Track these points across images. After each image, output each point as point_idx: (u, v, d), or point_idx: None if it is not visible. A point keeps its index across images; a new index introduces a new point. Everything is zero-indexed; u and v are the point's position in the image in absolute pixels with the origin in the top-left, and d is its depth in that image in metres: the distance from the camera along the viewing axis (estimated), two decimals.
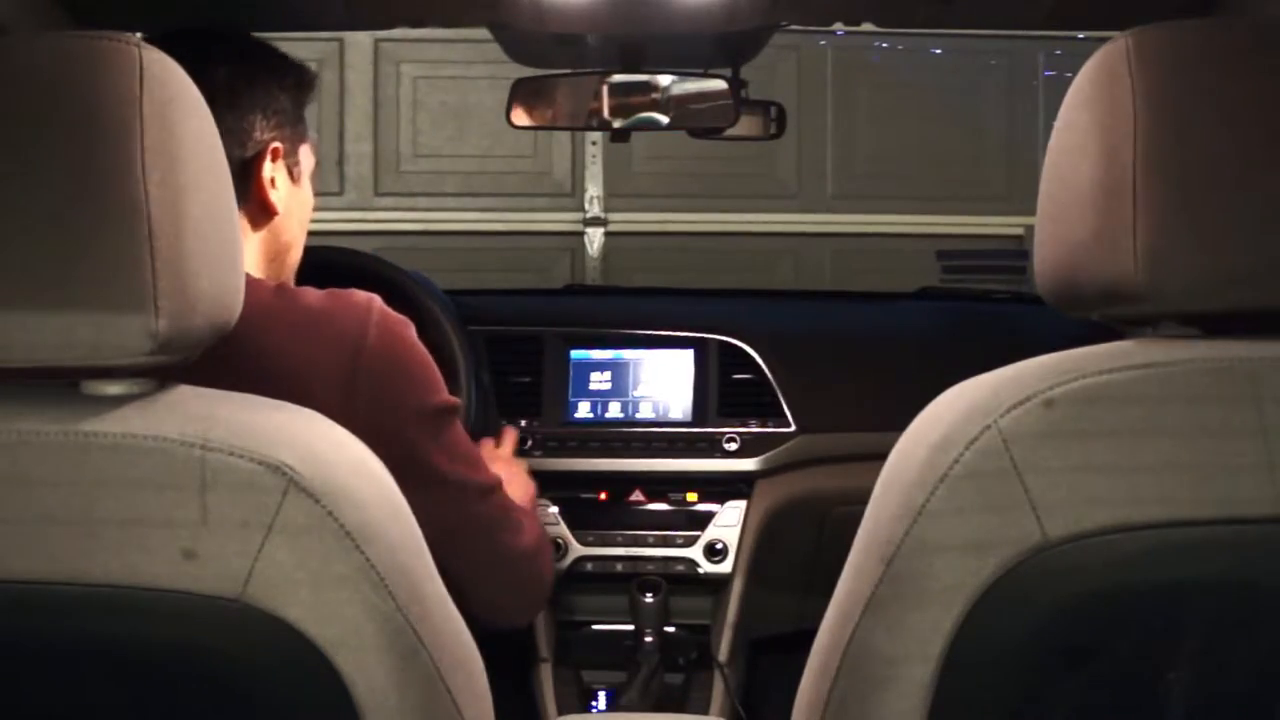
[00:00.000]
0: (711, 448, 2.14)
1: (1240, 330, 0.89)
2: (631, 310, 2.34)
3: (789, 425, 2.14)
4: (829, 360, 2.21)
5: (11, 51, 0.84)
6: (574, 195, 5.04)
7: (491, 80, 4.25)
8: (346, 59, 4.74)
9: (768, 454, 2.13)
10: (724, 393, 2.16)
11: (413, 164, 4.70)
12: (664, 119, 1.98)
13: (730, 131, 2.04)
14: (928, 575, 0.86)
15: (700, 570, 2.11)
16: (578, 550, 2.11)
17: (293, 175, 1.41)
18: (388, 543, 0.84)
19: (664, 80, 1.96)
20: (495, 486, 1.43)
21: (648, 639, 2.03)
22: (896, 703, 0.88)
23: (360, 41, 4.74)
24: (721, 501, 2.13)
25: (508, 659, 1.85)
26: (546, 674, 2.11)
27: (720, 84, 1.97)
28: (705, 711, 2.08)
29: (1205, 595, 0.88)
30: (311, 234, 1.49)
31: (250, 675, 0.83)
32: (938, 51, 5.11)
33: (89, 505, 0.80)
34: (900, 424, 0.95)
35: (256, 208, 1.36)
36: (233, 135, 1.32)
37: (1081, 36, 4.22)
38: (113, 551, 0.80)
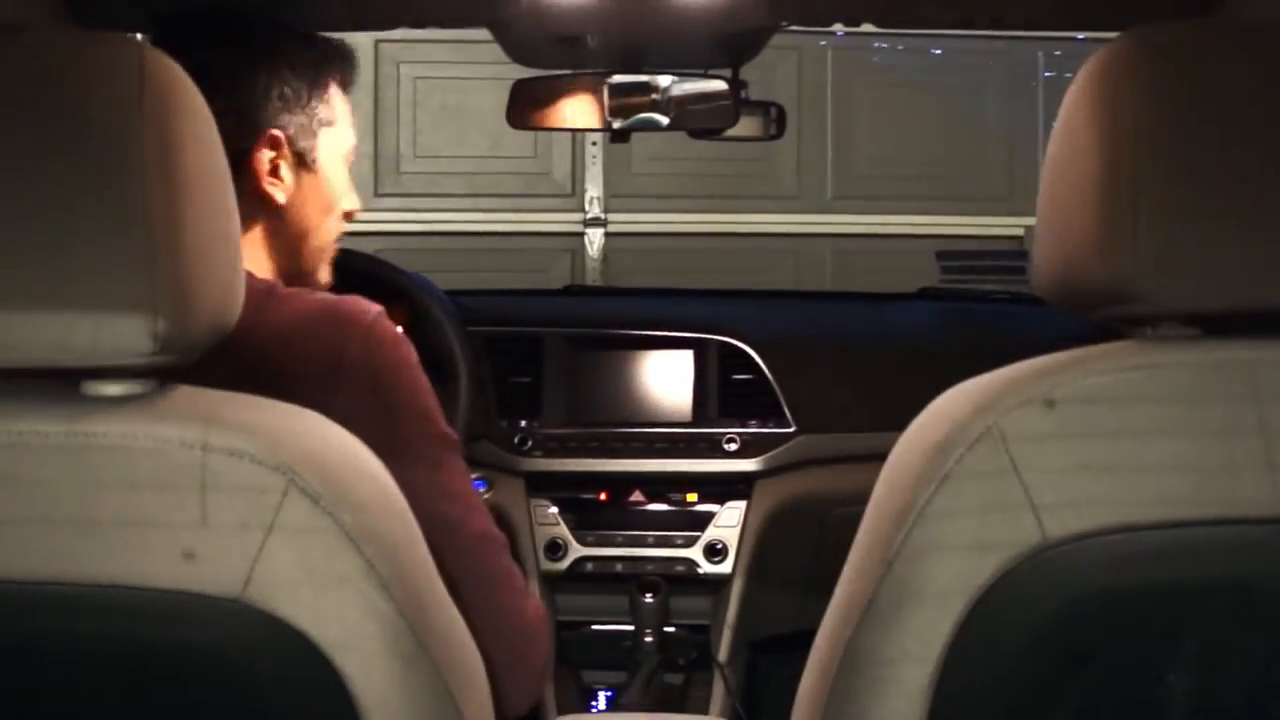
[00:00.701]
0: (711, 448, 2.14)
1: (1240, 330, 0.89)
2: (631, 310, 2.35)
3: (789, 425, 2.14)
4: (829, 360, 2.22)
5: (11, 51, 0.84)
6: (574, 196, 5.04)
7: (491, 81, 4.25)
8: None
9: (768, 454, 2.13)
10: (724, 393, 2.16)
11: (413, 165, 4.69)
12: (664, 119, 1.98)
13: (730, 132, 2.04)
14: (928, 576, 0.86)
15: (700, 570, 2.11)
16: (578, 550, 2.11)
17: (304, 161, 1.34)
18: (388, 543, 0.84)
19: (664, 81, 1.96)
20: (496, 537, 1.28)
21: (648, 639, 2.03)
22: (896, 703, 0.88)
23: (360, 42, 4.72)
24: (721, 502, 2.13)
25: None
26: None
27: (720, 84, 1.97)
28: (705, 711, 2.08)
29: (1205, 596, 0.88)
30: None
31: (250, 676, 0.83)
32: (938, 51, 5.11)
33: (89, 505, 0.80)
34: (900, 424, 0.95)
35: (253, 200, 1.30)
36: (224, 123, 1.25)
37: (1081, 36, 4.22)
38: (113, 551, 0.80)
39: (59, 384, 0.84)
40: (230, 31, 1.33)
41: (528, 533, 2.12)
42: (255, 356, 1.15)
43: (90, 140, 0.80)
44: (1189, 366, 0.87)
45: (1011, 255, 4.78)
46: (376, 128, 4.79)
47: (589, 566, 2.11)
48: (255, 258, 1.32)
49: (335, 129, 1.38)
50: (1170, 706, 0.90)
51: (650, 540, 2.12)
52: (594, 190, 5.02)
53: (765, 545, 2.12)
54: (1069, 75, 0.93)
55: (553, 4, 1.64)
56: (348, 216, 1.45)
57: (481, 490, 2.13)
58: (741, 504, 2.13)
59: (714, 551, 2.11)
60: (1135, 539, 0.86)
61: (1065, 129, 0.92)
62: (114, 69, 0.81)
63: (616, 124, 2.00)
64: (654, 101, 1.97)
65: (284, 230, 1.35)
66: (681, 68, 2.01)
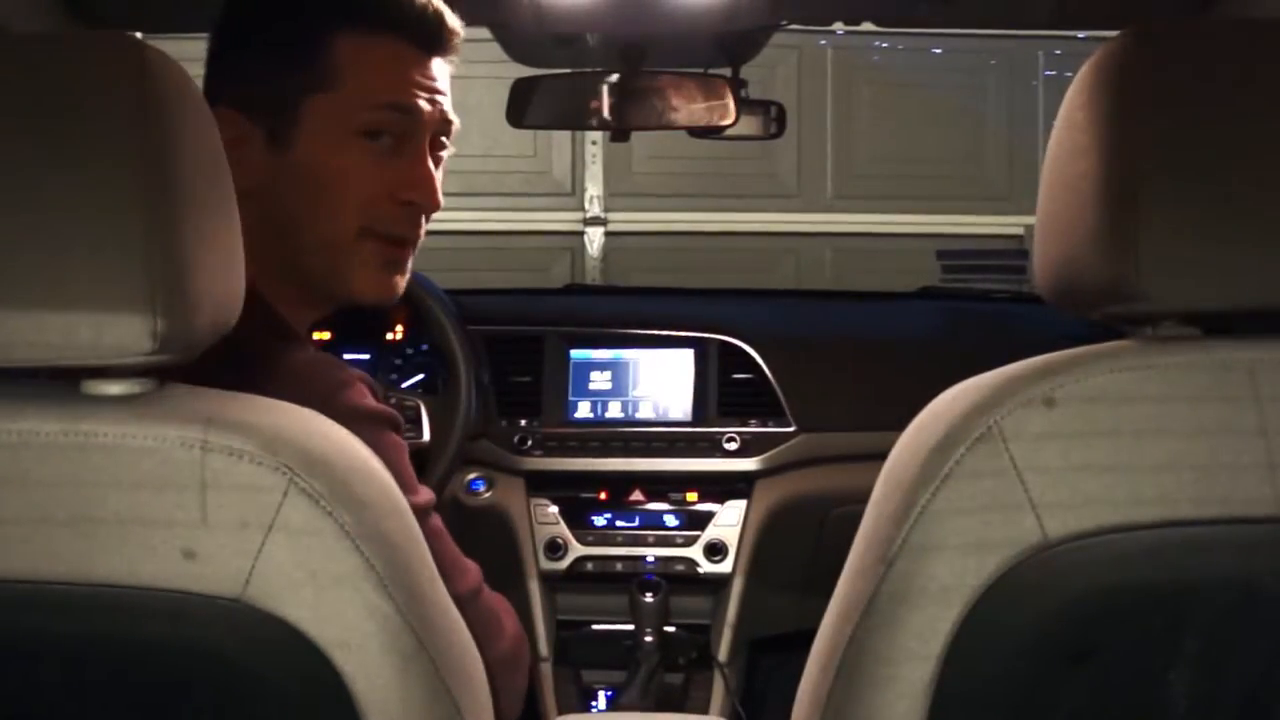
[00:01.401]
0: (711, 447, 2.14)
1: (1240, 330, 0.89)
2: (631, 310, 2.34)
3: (789, 425, 2.14)
4: (829, 360, 2.22)
5: (11, 51, 0.84)
6: (574, 195, 5.04)
7: (491, 80, 4.25)
8: None
9: (768, 454, 2.14)
10: (724, 392, 2.16)
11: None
12: (664, 119, 1.98)
13: (730, 131, 2.04)
14: (928, 575, 0.86)
15: (700, 570, 2.11)
16: (578, 550, 2.11)
17: (276, 138, 1.15)
18: (388, 543, 0.84)
19: (664, 80, 1.96)
20: (476, 591, 1.20)
21: (648, 639, 2.03)
22: (896, 703, 0.88)
23: None
24: (721, 501, 2.13)
25: None
26: (546, 674, 2.11)
27: (720, 84, 1.97)
28: (705, 711, 2.08)
29: (1206, 595, 0.88)
30: None
31: (250, 675, 0.83)
32: (938, 51, 5.11)
33: (89, 505, 0.80)
34: (900, 424, 0.95)
35: None
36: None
37: (1081, 36, 4.23)
38: (113, 551, 0.80)
39: (59, 383, 0.84)
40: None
41: (528, 532, 2.12)
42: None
43: (90, 140, 0.80)
44: (1189, 366, 0.87)
45: (1011, 255, 4.78)
46: None
47: (589, 566, 2.11)
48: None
49: (337, 94, 1.15)
50: (1171, 706, 0.90)
51: (650, 539, 2.12)
52: (594, 189, 5.02)
53: (765, 545, 2.12)
54: (1069, 75, 0.93)
55: (553, 4, 1.64)
56: (429, 209, 1.22)
57: (480, 490, 2.13)
58: (741, 503, 2.13)
59: (714, 551, 2.11)
60: (1135, 538, 0.86)
61: (1065, 128, 0.92)
62: (114, 69, 0.81)
63: (616, 123, 2.00)
64: (654, 100, 1.97)
65: (268, 224, 1.15)
66: (681, 67, 2.01)
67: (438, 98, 1.23)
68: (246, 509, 0.80)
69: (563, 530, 2.12)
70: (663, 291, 2.76)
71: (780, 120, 2.18)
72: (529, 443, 2.15)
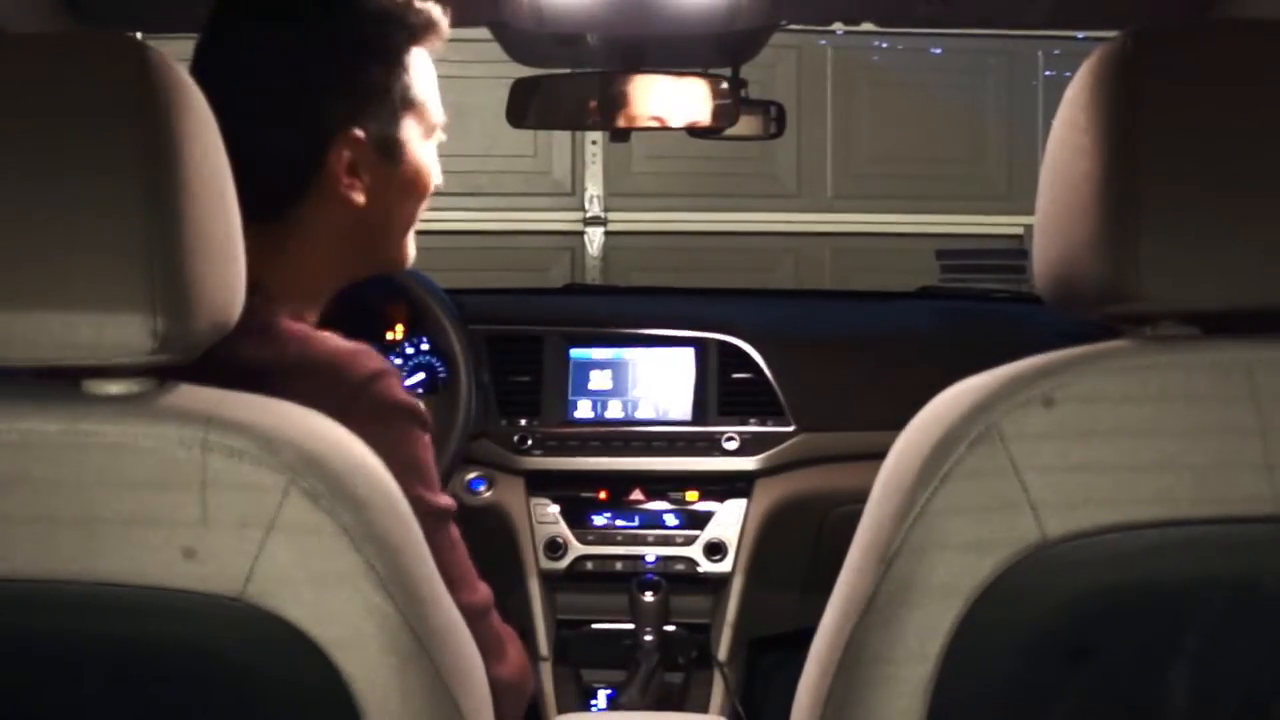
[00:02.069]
0: (711, 447, 2.14)
1: (1240, 330, 0.89)
2: (631, 310, 2.34)
3: (789, 425, 2.14)
4: (829, 360, 2.22)
5: (11, 51, 0.84)
6: (574, 195, 5.04)
7: (491, 80, 4.25)
8: None
9: (768, 453, 2.14)
10: (724, 392, 2.16)
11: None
12: (663, 118, 1.98)
13: (730, 131, 2.04)
14: (927, 574, 0.87)
15: (700, 569, 2.11)
16: (578, 549, 2.11)
17: (387, 152, 1.21)
18: (388, 543, 0.84)
19: (664, 80, 1.96)
20: (485, 609, 1.21)
21: (647, 638, 2.03)
22: (896, 702, 0.88)
23: None
24: (721, 500, 2.13)
25: None
26: (546, 673, 2.11)
27: (720, 84, 1.97)
28: (705, 711, 2.08)
29: (1205, 594, 0.88)
30: None
31: (250, 675, 0.83)
32: (938, 51, 5.11)
33: (89, 505, 0.80)
34: (900, 423, 0.95)
35: (328, 204, 1.19)
36: (289, 125, 1.17)
37: (1081, 36, 4.22)
38: (113, 551, 0.80)
39: (59, 383, 0.84)
40: (302, 10, 1.18)
41: (528, 532, 2.12)
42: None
43: (90, 140, 0.80)
44: (1188, 366, 0.87)
45: (1011, 254, 4.78)
46: None
47: (589, 565, 2.11)
48: (325, 259, 1.22)
49: (421, 107, 1.24)
50: (1169, 704, 0.90)
51: (650, 539, 2.12)
52: (594, 189, 5.02)
53: (765, 544, 2.12)
54: (1069, 75, 0.93)
55: (553, 4, 1.64)
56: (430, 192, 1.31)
57: (480, 489, 2.13)
58: (741, 502, 2.13)
59: (714, 550, 2.11)
60: (1134, 538, 0.86)
61: (1065, 129, 0.92)
62: (114, 69, 0.81)
63: (616, 123, 2.00)
64: (654, 101, 1.97)
65: (363, 227, 1.23)
66: (681, 67, 2.01)
67: None
68: (246, 508, 0.80)
69: (563, 530, 2.12)
70: (663, 291, 2.76)
71: (780, 120, 2.18)
72: (529, 442, 2.15)
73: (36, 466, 0.80)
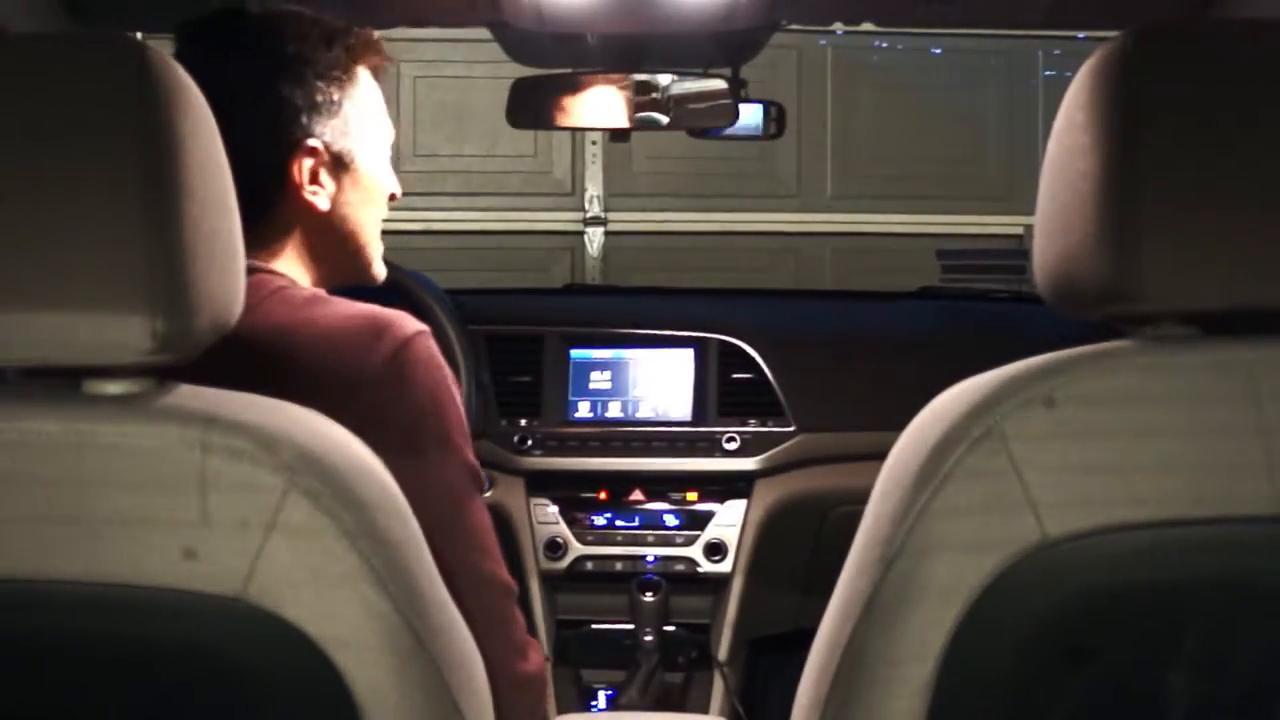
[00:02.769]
0: (711, 447, 2.14)
1: (1240, 329, 0.89)
2: (631, 310, 2.35)
3: (789, 425, 2.14)
4: (829, 360, 2.22)
5: (11, 51, 0.84)
6: (574, 195, 5.04)
7: (491, 80, 4.26)
8: None
9: (768, 453, 2.14)
10: (724, 392, 2.16)
11: (412, 164, 4.69)
12: (664, 119, 1.98)
13: (730, 131, 2.04)
14: (927, 575, 0.87)
15: (700, 570, 2.11)
16: (578, 549, 2.11)
17: (343, 163, 1.32)
18: (388, 543, 0.84)
19: (664, 80, 1.96)
20: (513, 591, 1.25)
21: (647, 638, 2.03)
22: (896, 702, 0.88)
23: None
24: (721, 501, 2.13)
25: None
26: (546, 673, 2.11)
27: (720, 84, 1.97)
28: (705, 711, 2.08)
29: (1205, 595, 0.88)
30: None
31: (250, 675, 0.83)
32: (938, 51, 5.11)
33: (89, 505, 0.80)
34: (900, 424, 0.95)
35: (295, 210, 1.29)
36: (255, 137, 1.25)
37: (1081, 36, 4.22)
38: (113, 551, 0.80)
39: (59, 383, 0.84)
40: (251, 39, 1.30)
41: (528, 532, 2.12)
42: (288, 359, 1.16)
43: (90, 139, 0.80)
44: (1188, 366, 0.87)
45: (1011, 254, 4.78)
46: None
47: (589, 565, 2.12)
48: (301, 264, 1.32)
49: (371, 122, 1.36)
50: (1170, 705, 0.90)
51: (650, 539, 2.12)
52: (594, 189, 5.02)
53: (765, 544, 2.12)
54: (1069, 75, 0.93)
55: (553, 4, 1.64)
56: (390, 200, 1.43)
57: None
58: (741, 503, 2.13)
59: (714, 550, 2.11)
60: (1135, 538, 0.86)
61: (1065, 129, 0.92)
62: (114, 69, 0.81)
63: (616, 123, 2.00)
64: (654, 100, 1.97)
65: (330, 233, 1.33)
66: (681, 66, 2.01)
67: None
68: (246, 508, 0.80)
69: (563, 530, 2.12)
70: (663, 291, 2.76)
71: (780, 120, 2.18)
72: (529, 442, 2.15)
73: (36, 466, 0.80)
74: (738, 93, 2.00)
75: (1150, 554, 0.86)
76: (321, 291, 1.28)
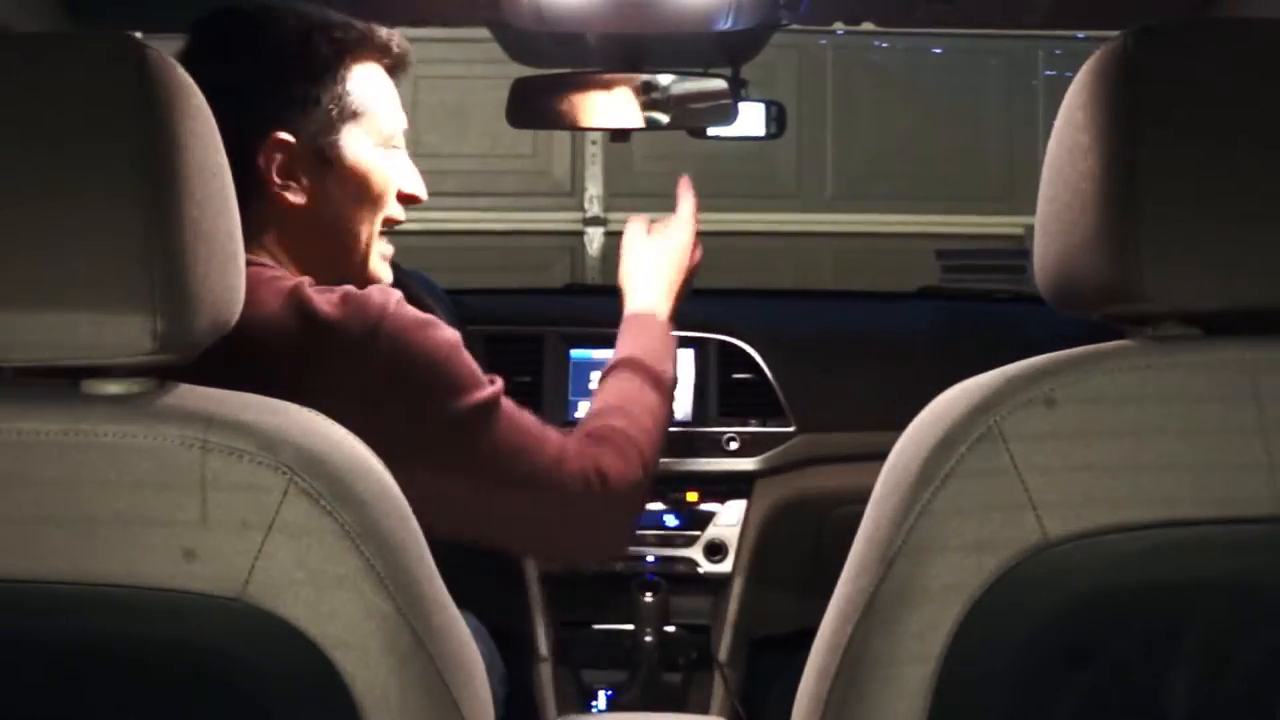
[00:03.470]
0: (712, 447, 2.14)
1: (1240, 330, 0.89)
2: None
3: (789, 425, 2.14)
4: (829, 360, 2.21)
5: (11, 51, 0.84)
6: (574, 195, 5.05)
7: (491, 80, 4.26)
8: None
9: (768, 454, 2.13)
10: (724, 392, 2.16)
11: (412, 163, 4.68)
12: (664, 119, 1.98)
13: (730, 131, 2.04)
14: (928, 575, 0.86)
15: (700, 570, 2.11)
16: None
17: (325, 158, 1.31)
18: (388, 543, 0.84)
19: (664, 80, 1.96)
20: (560, 458, 1.34)
21: (648, 639, 2.03)
22: (896, 703, 0.88)
23: None
24: (722, 501, 2.13)
25: (508, 659, 1.85)
26: (546, 674, 2.11)
27: (720, 84, 1.97)
28: (705, 711, 2.08)
29: (1206, 595, 0.88)
30: None
31: (250, 675, 0.83)
32: (938, 51, 5.11)
33: (89, 505, 0.80)
34: (900, 424, 0.95)
35: (269, 204, 1.29)
36: (228, 129, 1.26)
37: (1081, 36, 4.23)
38: (113, 551, 0.80)
39: (59, 383, 0.84)
40: (233, 36, 1.30)
41: None
42: (285, 367, 1.18)
43: (90, 140, 0.80)
44: (1189, 366, 0.87)
45: (1011, 254, 4.78)
46: None
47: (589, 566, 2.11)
48: (281, 260, 1.31)
49: (365, 118, 1.34)
50: (1171, 705, 0.90)
51: (650, 539, 2.12)
52: (594, 189, 5.03)
53: (765, 544, 2.12)
54: (1069, 75, 0.93)
55: (553, 4, 1.64)
56: (409, 201, 1.42)
57: None
58: (742, 503, 2.13)
59: (714, 551, 2.11)
60: (1135, 538, 0.86)
61: (1065, 128, 0.92)
62: (114, 69, 0.81)
63: (616, 123, 2.00)
64: (654, 100, 1.97)
65: (313, 230, 1.32)
66: (681, 66, 2.01)
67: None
68: (246, 509, 0.80)
69: None
70: None
71: (780, 120, 2.18)
72: None
73: (36, 467, 0.80)
74: (738, 93, 2.00)
75: (1151, 554, 0.86)
76: (302, 282, 1.26)
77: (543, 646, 2.12)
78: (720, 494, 2.13)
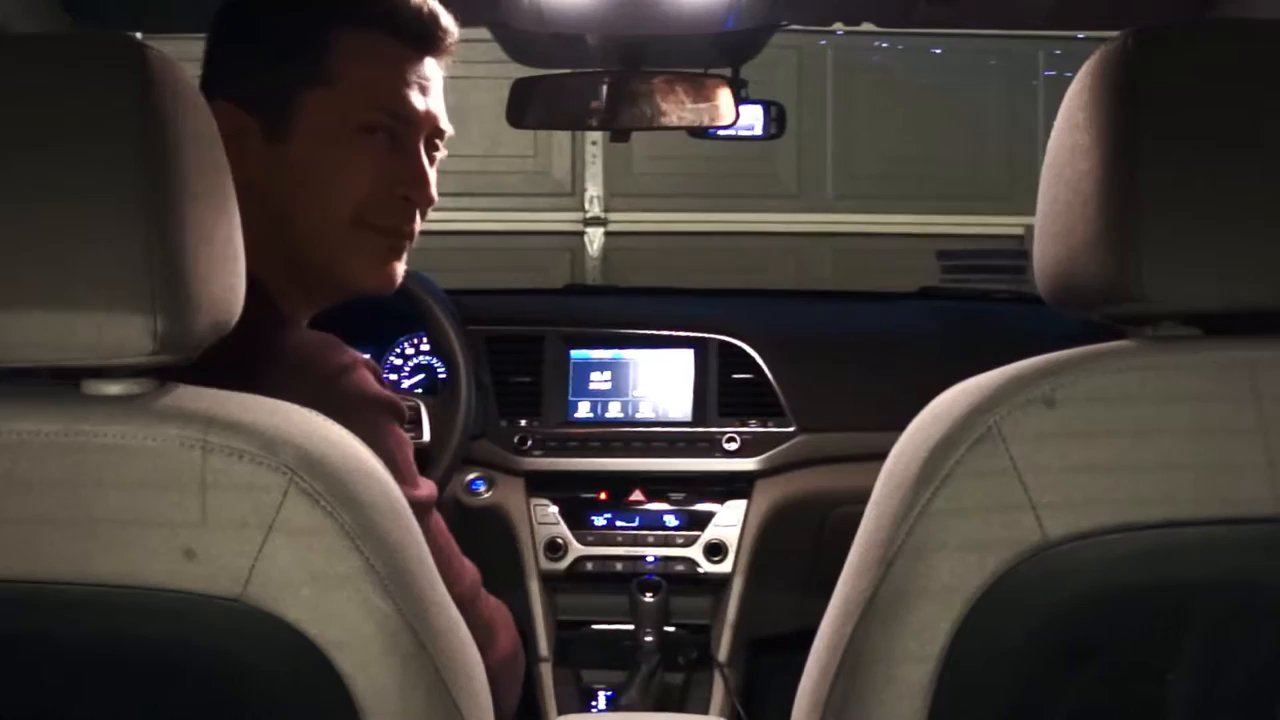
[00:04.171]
0: (711, 447, 2.14)
1: (1240, 330, 0.89)
2: (631, 310, 2.34)
3: (789, 425, 2.14)
4: (829, 360, 2.22)
5: (11, 51, 0.84)
6: (574, 195, 5.04)
7: (491, 80, 4.25)
8: None
9: (768, 454, 2.13)
10: (724, 393, 2.16)
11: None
12: (664, 119, 1.98)
13: (730, 131, 2.04)
14: (928, 575, 0.86)
15: (700, 570, 2.11)
16: (578, 550, 2.11)
17: (274, 132, 1.17)
18: (388, 543, 0.84)
19: (664, 80, 1.96)
20: (472, 597, 1.20)
21: (648, 639, 2.03)
22: (896, 703, 0.88)
23: None
24: (721, 501, 2.13)
25: None
26: (546, 674, 2.11)
27: (720, 84, 1.97)
28: (705, 711, 2.08)
29: (1205, 595, 0.88)
30: None
31: (250, 675, 0.83)
32: (938, 51, 5.11)
33: (89, 505, 0.80)
34: (900, 424, 0.95)
35: None
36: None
37: (1081, 36, 4.22)
38: (113, 551, 0.80)
39: (59, 383, 0.84)
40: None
41: (528, 532, 2.12)
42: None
43: (90, 140, 0.80)
44: (1189, 366, 0.87)
45: (1011, 255, 4.78)
46: None
47: (589, 566, 2.11)
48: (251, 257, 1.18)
49: (336, 89, 1.17)
50: (1171, 706, 0.90)
51: (650, 539, 2.12)
52: (594, 189, 5.02)
53: (765, 545, 2.12)
54: (1069, 75, 0.93)
55: (553, 4, 1.64)
56: (424, 205, 1.24)
57: (480, 490, 2.13)
58: (742, 503, 2.13)
59: (714, 551, 2.11)
60: (1135, 538, 0.86)
61: (1065, 129, 0.92)
62: (114, 69, 0.81)
63: (616, 123, 2.00)
64: (654, 100, 1.97)
65: (269, 221, 1.15)
66: (681, 67, 2.01)
67: (431, 97, 1.25)
68: (246, 509, 0.80)
69: (563, 530, 2.12)
70: (663, 291, 2.76)
71: (780, 120, 2.18)
72: (529, 443, 2.15)
73: (36, 467, 0.80)
74: (738, 93, 2.00)
75: (1151, 554, 0.86)
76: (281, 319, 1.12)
77: (543, 647, 2.12)
78: (720, 494, 2.14)
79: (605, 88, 1.96)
